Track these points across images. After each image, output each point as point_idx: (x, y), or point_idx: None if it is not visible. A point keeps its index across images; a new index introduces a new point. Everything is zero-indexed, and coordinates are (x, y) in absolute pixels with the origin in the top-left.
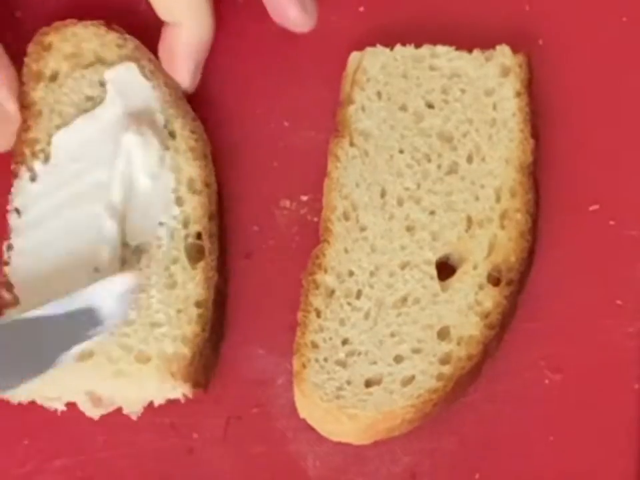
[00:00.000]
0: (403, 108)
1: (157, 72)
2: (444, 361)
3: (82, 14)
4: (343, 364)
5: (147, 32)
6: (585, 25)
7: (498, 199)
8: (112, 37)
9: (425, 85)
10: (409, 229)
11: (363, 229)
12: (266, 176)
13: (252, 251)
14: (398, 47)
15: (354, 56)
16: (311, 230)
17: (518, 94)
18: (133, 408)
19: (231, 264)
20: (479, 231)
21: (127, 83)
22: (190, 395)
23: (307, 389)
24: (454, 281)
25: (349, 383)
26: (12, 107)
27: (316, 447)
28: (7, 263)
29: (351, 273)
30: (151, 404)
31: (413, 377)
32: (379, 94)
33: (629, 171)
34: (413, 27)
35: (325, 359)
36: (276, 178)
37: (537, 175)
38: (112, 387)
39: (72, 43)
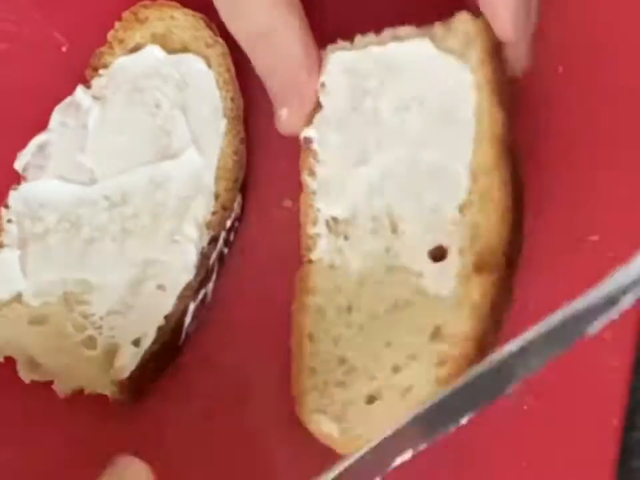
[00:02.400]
0: (372, 110)
1: (230, 84)
2: (440, 363)
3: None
4: (342, 385)
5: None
6: (599, 49)
7: (475, 180)
8: (205, 34)
9: (389, 81)
10: (393, 228)
11: (345, 238)
12: (271, 174)
13: (250, 249)
14: (358, 38)
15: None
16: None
17: (482, 62)
18: (63, 387)
19: (226, 258)
20: (460, 218)
21: (198, 81)
22: (116, 397)
23: (309, 416)
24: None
25: (350, 403)
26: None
27: (296, 447)
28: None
29: (339, 289)
30: None
31: (412, 386)
32: (344, 98)
33: (630, 202)
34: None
35: (325, 383)
36: (281, 177)
37: (518, 155)
38: (51, 359)
39: (166, 25)
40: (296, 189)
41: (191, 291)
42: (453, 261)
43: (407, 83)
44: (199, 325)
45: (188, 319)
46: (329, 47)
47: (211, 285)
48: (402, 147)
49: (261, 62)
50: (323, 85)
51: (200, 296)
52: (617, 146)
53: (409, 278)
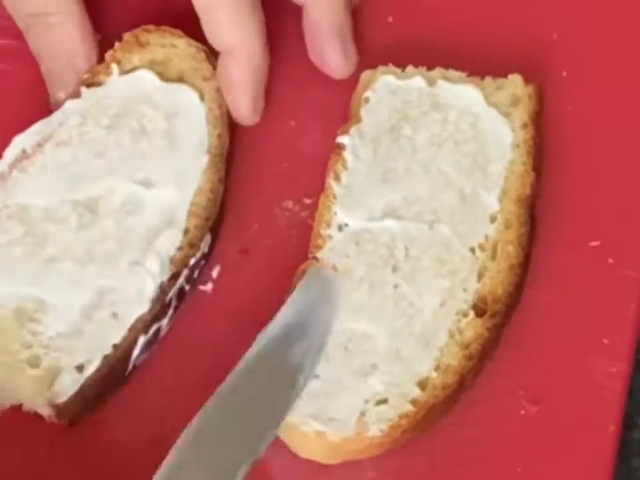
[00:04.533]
0: (408, 138)
1: (219, 120)
2: (419, 387)
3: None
4: (318, 378)
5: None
6: (609, 60)
7: (493, 229)
8: (204, 67)
9: (432, 115)
10: (406, 248)
11: (356, 246)
12: (273, 175)
13: (248, 248)
14: (409, 68)
15: (365, 74)
16: (309, 233)
17: (524, 125)
18: (1, 401)
19: (225, 257)
20: (470, 258)
21: (187, 113)
22: (53, 420)
23: None
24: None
25: (326, 395)
26: None
27: (282, 453)
28: None
29: None
30: None
31: (385, 400)
32: (385, 117)
33: (633, 210)
34: (438, 45)
35: None
36: (282, 178)
37: (537, 209)
38: None
39: (166, 52)
40: (297, 191)
41: (143, 323)
42: (455, 298)
43: (447, 123)
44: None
45: (136, 351)
46: (380, 68)
47: (165, 320)
48: (428, 179)
49: (34, 43)
50: (366, 99)
51: (152, 330)
52: (616, 153)
53: (410, 304)
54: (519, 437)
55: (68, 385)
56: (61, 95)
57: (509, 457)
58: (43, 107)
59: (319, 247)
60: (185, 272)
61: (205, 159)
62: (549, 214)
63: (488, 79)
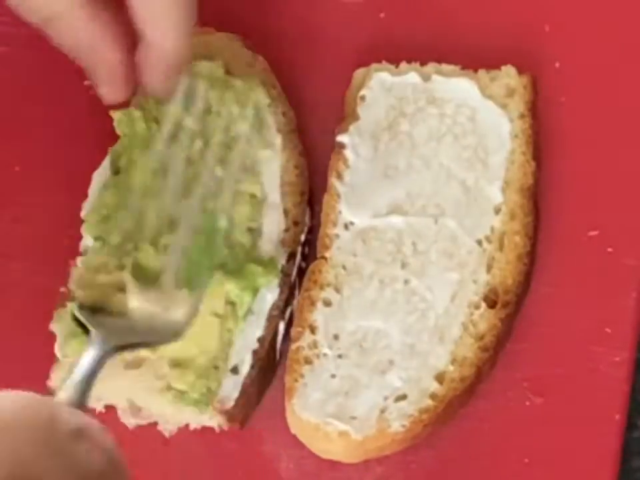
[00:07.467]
0: (407, 134)
1: (278, 100)
2: (437, 381)
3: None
4: (335, 377)
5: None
6: (601, 50)
7: (498, 221)
8: (244, 54)
9: (428, 110)
10: (414, 244)
11: (363, 244)
12: None
13: None
14: (403, 64)
15: (359, 73)
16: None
17: (521, 116)
18: (168, 426)
19: None
20: (478, 250)
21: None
22: (225, 427)
23: (298, 405)
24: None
25: (338, 393)
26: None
27: (291, 449)
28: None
29: (351, 288)
30: None
31: (405, 396)
32: (382, 114)
33: (631, 199)
34: (430, 40)
35: (318, 375)
36: None
37: (538, 198)
38: (152, 401)
39: (203, 52)
40: None
41: (278, 310)
42: (465, 291)
43: (445, 117)
44: None
45: (280, 339)
46: (374, 66)
47: (295, 302)
48: (430, 173)
49: (58, 43)
50: (363, 97)
51: (287, 314)
52: (612, 143)
53: (423, 294)
54: (524, 428)
55: (230, 389)
56: (104, 90)
57: (515, 448)
58: (40, 112)
59: (327, 247)
60: (299, 250)
61: (278, 139)
62: (546, 204)
63: (481, 72)
